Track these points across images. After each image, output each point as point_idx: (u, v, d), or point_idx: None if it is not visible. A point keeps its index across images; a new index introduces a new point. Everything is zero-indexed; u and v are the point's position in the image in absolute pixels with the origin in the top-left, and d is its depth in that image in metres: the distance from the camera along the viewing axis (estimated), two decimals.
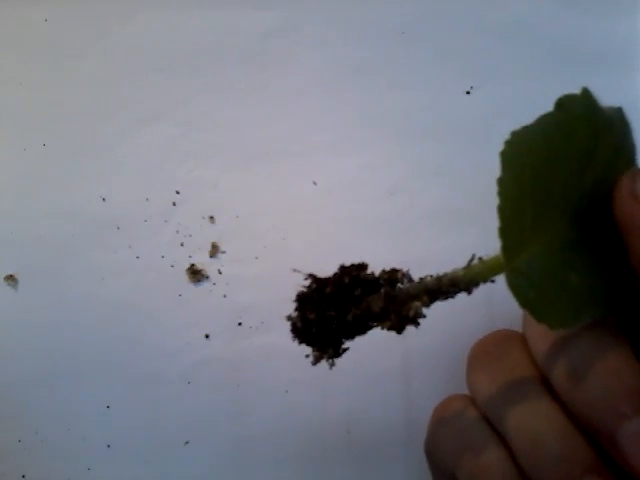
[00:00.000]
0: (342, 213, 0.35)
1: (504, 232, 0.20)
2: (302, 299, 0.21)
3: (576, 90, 0.21)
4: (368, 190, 0.35)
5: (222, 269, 0.34)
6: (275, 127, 0.36)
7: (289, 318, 0.21)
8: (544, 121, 0.21)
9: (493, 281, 0.21)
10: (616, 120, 0.21)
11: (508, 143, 0.20)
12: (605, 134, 0.21)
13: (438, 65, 0.36)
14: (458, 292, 0.21)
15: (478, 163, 0.34)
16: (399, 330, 0.21)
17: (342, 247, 0.34)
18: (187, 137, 0.36)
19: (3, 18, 0.37)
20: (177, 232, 0.35)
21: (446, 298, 0.21)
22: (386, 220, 0.34)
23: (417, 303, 0.21)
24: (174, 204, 0.35)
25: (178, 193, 0.35)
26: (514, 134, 0.20)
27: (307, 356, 0.21)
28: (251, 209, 0.35)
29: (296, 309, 0.21)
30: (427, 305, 0.21)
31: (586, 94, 0.21)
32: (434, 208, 0.35)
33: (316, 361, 0.21)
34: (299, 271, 0.21)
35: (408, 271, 0.22)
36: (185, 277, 0.34)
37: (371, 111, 0.36)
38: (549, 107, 0.20)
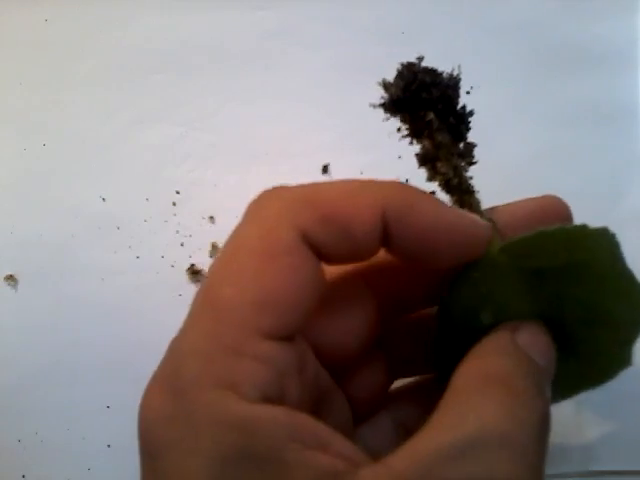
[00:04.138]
0: None
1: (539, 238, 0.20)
2: (427, 72, 0.23)
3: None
4: None
5: None
6: (275, 127, 0.36)
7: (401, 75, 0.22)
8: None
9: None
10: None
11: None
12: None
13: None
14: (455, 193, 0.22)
15: (478, 163, 0.34)
16: (421, 160, 0.22)
17: None
18: (187, 137, 0.36)
19: (3, 18, 0.37)
20: (177, 232, 0.35)
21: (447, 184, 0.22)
22: None
23: (444, 170, 0.22)
24: (174, 204, 0.35)
25: (178, 193, 0.35)
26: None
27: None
28: None
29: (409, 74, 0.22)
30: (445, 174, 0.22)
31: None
32: None
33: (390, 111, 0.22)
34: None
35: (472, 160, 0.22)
36: (185, 277, 0.34)
37: (371, 111, 0.36)
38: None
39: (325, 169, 0.35)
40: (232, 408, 0.17)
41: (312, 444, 0.17)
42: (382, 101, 0.22)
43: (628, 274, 0.21)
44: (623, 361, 0.23)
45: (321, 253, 0.20)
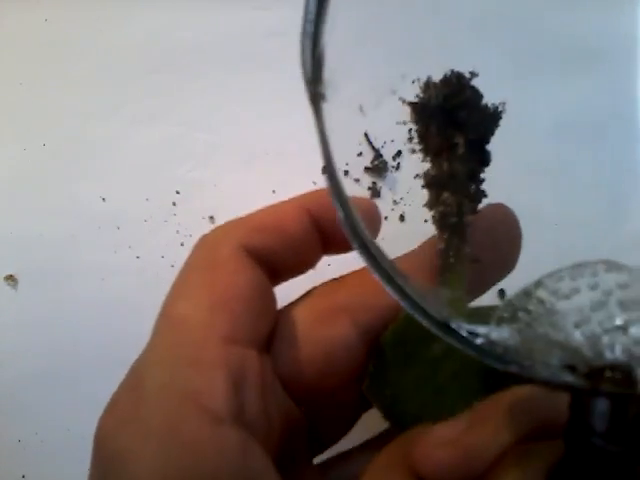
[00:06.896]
0: None
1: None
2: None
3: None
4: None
5: None
6: (275, 127, 0.36)
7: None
8: None
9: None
10: None
11: None
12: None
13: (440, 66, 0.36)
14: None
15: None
16: (428, 182, 0.20)
17: None
18: (187, 137, 0.36)
19: (3, 18, 0.37)
20: (177, 232, 0.35)
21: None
22: (386, 220, 0.34)
23: (450, 202, 0.20)
24: (174, 204, 0.35)
25: (178, 193, 0.35)
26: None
27: None
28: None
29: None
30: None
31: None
32: None
33: None
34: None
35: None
36: None
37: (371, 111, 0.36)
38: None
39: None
40: (186, 425, 0.17)
41: None
42: (416, 100, 0.20)
43: None
44: None
45: (267, 262, 0.21)
